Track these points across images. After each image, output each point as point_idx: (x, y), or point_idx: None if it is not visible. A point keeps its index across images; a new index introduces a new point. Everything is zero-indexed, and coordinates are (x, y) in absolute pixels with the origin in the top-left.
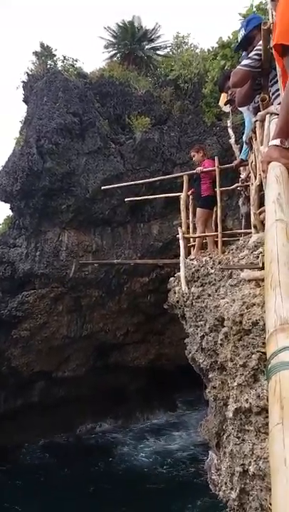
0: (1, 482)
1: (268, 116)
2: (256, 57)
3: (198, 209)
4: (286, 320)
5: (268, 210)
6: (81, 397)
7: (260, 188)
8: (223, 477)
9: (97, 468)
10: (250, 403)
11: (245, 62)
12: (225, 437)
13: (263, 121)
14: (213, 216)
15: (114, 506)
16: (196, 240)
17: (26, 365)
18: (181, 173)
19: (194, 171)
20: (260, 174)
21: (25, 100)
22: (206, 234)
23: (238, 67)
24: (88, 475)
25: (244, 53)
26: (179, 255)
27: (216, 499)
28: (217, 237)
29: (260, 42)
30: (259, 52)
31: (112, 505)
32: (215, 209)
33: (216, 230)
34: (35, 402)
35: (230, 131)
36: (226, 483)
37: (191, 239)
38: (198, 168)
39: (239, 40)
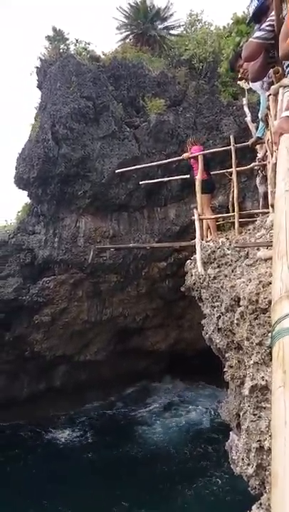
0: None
1: (281, 89)
2: (269, 28)
3: (198, 196)
4: None
5: (278, 182)
6: (101, 381)
7: None
8: (239, 453)
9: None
10: (267, 380)
11: (257, 34)
12: (242, 415)
13: (276, 95)
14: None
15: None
16: (210, 222)
17: (48, 350)
18: (196, 153)
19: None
20: (276, 152)
21: (39, 86)
22: (224, 215)
23: (250, 39)
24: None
25: (256, 26)
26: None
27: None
28: (217, 221)
29: (273, 12)
30: (272, 23)
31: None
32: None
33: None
34: (58, 385)
35: (246, 109)
36: (242, 459)
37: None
38: (185, 155)
39: (251, 12)
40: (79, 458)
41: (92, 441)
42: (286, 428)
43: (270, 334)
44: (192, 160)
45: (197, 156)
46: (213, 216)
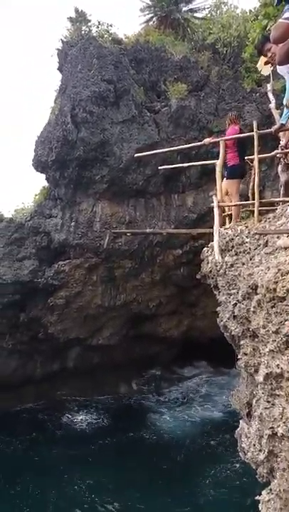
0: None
1: None
2: None
3: (226, 181)
4: None
5: None
6: (114, 364)
7: None
8: (251, 439)
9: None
10: (282, 368)
11: (287, 14)
12: (255, 402)
13: None
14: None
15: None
16: (233, 209)
17: (62, 332)
18: (196, 144)
19: (202, 143)
20: None
21: (60, 68)
22: (243, 202)
23: (280, 20)
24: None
25: (287, 6)
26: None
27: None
28: (242, 208)
29: None
30: None
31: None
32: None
33: (250, 200)
34: (71, 367)
35: (270, 95)
36: (254, 445)
37: (226, 209)
38: (206, 140)
39: None
40: (95, 442)
41: (108, 426)
42: None
43: (286, 323)
44: (227, 142)
45: (229, 139)
46: (232, 203)
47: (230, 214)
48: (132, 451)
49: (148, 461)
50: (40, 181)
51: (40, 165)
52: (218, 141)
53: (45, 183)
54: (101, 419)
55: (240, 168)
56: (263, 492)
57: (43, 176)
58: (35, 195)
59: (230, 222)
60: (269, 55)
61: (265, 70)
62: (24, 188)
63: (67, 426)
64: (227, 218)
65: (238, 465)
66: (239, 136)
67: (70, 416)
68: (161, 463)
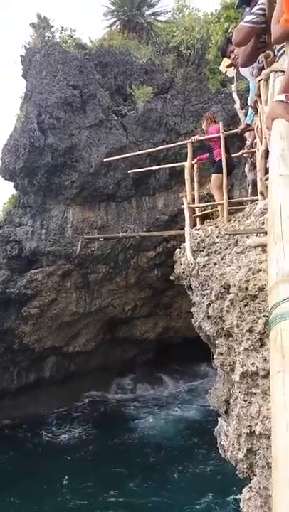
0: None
1: (272, 74)
2: (260, 12)
3: (213, 175)
4: (288, 272)
5: (271, 166)
6: (91, 371)
7: (267, 154)
8: (230, 439)
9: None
10: (257, 366)
11: (248, 18)
12: (232, 400)
13: (267, 79)
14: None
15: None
16: (219, 206)
17: (37, 342)
18: (184, 142)
19: (188, 141)
20: (265, 138)
21: (25, 75)
22: (209, 203)
23: (241, 23)
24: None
25: (247, 9)
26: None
27: None
28: (204, 210)
29: None
30: (263, 6)
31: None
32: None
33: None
34: (47, 377)
35: (235, 96)
36: (233, 445)
37: (196, 209)
38: (194, 137)
39: None
40: (78, 452)
41: (89, 434)
42: (286, 411)
43: (259, 321)
44: (212, 141)
45: (217, 136)
46: (201, 204)
47: (202, 215)
48: (116, 458)
49: (132, 465)
50: (8, 189)
51: (7, 173)
52: (204, 140)
53: (14, 191)
54: (81, 428)
55: (227, 163)
56: (244, 490)
57: (12, 184)
58: (4, 204)
59: (201, 223)
60: (232, 57)
61: (230, 72)
62: None
63: (48, 440)
64: (198, 219)
65: (217, 463)
66: (206, 138)
67: (50, 429)
68: (145, 466)
